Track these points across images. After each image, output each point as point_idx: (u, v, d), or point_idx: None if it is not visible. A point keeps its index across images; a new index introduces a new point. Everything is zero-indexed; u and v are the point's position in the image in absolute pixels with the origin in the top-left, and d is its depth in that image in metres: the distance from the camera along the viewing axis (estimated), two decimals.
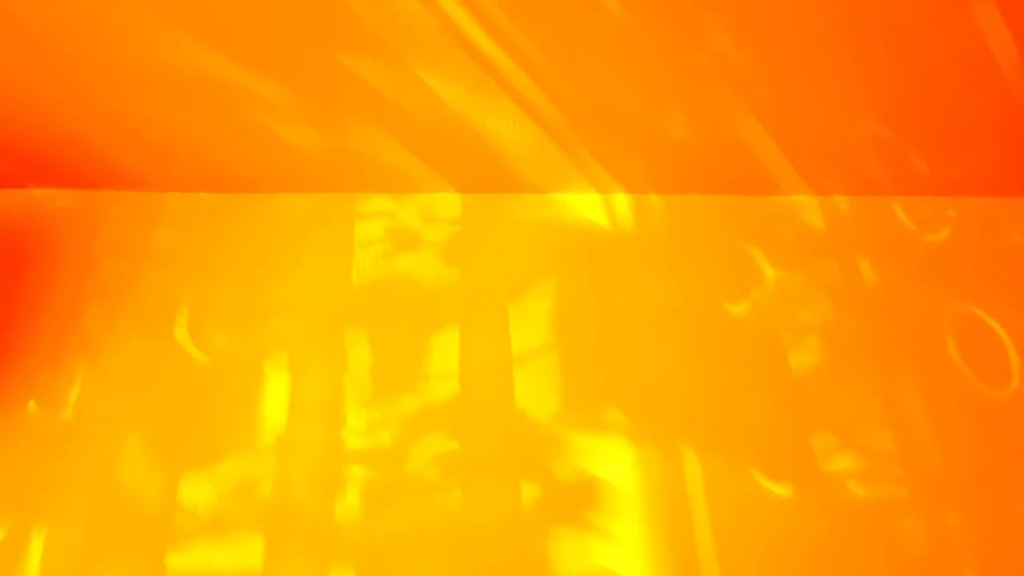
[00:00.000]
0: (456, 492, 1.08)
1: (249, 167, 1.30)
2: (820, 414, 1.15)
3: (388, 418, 1.14)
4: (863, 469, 1.11)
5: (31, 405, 1.13)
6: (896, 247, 1.31)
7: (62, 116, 1.18)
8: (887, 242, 1.32)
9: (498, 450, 1.12)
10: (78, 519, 1.05)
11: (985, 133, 1.24)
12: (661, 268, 1.28)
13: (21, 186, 1.35)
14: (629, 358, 1.20)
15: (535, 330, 1.22)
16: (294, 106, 1.16)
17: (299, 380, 1.17)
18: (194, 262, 1.27)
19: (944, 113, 1.20)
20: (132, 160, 1.28)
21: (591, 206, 1.35)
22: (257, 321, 1.22)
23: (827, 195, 1.37)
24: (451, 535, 1.05)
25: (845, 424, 1.14)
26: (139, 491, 1.08)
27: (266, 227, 1.32)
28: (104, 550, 1.03)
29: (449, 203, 1.35)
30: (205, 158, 1.28)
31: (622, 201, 1.36)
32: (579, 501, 1.08)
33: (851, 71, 1.11)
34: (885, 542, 1.05)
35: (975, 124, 1.22)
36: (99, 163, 1.29)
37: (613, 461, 1.11)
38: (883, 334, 1.23)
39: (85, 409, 1.14)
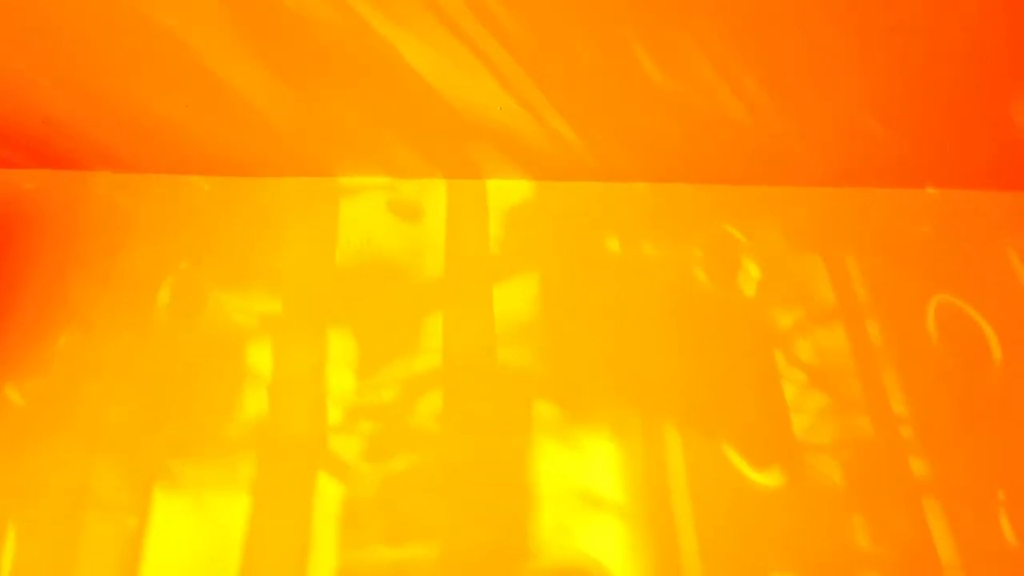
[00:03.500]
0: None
1: (235, 150, 1.29)
2: (803, 402, 1.16)
3: (371, 394, 1.14)
4: (844, 456, 1.12)
5: (9, 386, 1.13)
6: (881, 238, 1.32)
7: (47, 97, 1.17)
8: (872, 233, 1.33)
9: (478, 443, 1.12)
10: (61, 497, 1.05)
11: (971, 128, 1.24)
12: (648, 256, 1.29)
13: (5, 166, 1.33)
14: (614, 344, 1.20)
15: (518, 316, 1.22)
16: (281, 90, 1.15)
17: (281, 361, 1.16)
18: (177, 244, 1.27)
19: (931, 107, 1.20)
20: (117, 141, 1.27)
21: (577, 193, 1.35)
22: (240, 303, 1.21)
23: (814, 186, 1.38)
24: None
25: (827, 412, 1.15)
26: (122, 471, 1.07)
27: (251, 210, 1.31)
28: (86, 528, 1.03)
29: (435, 188, 1.35)
30: (190, 140, 1.27)
31: (609, 189, 1.36)
32: (565, 486, 1.08)
33: (840, 64, 1.11)
34: (866, 527, 1.06)
35: (961, 119, 1.22)
36: (83, 144, 1.28)
37: (594, 441, 1.11)
38: (867, 323, 1.23)
39: (66, 390, 1.13)
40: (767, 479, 1.09)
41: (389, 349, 1.18)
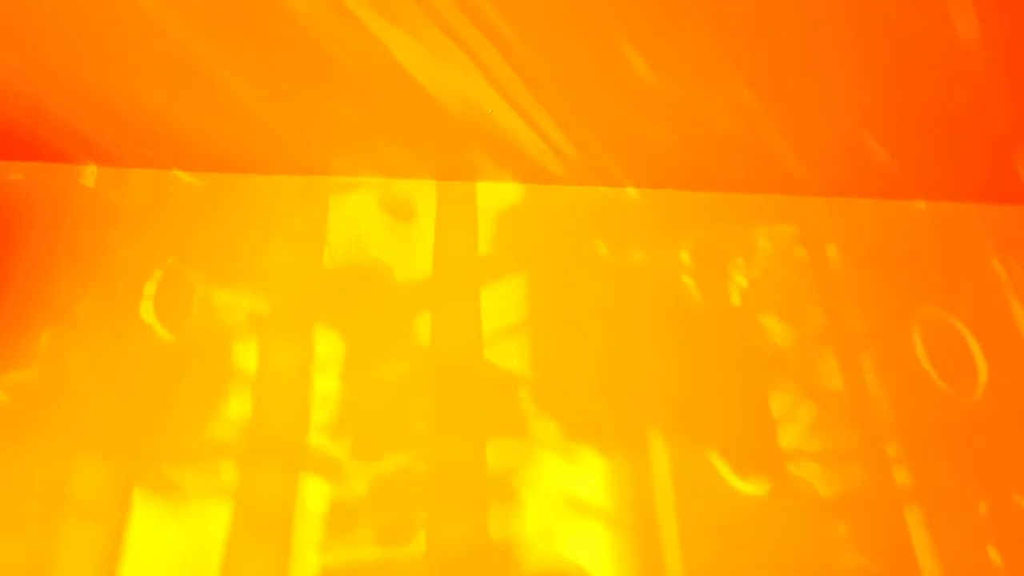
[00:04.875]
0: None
1: (224, 146, 1.29)
2: (789, 412, 1.16)
3: (355, 393, 1.13)
4: (829, 466, 1.12)
5: None
6: (869, 249, 1.33)
7: (32, 89, 1.16)
8: (860, 243, 1.33)
9: (464, 452, 1.11)
10: (40, 494, 1.04)
11: (958, 139, 1.25)
12: (637, 262, 1.28)
13: None
14: (601, 348, 1.20)
15: (506, 319, 1.22)
16: (272, 87, 1.15)
17: (267, 360, 1.16)
18: (165, 240, 1.26)
19: (919, 118, 1.21)
20: (104, 134, 1.26)
21: (567, 197, 1.35)
22: (227, 300, 1.20)
23: (801, 195, 1.38)
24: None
25: (813, 422, 1.15)
26: (103, 469, 1.06)
27: (240, 207, 1.30)
28: (65, 526, 1.02)
29: (425, 189, 1.34)
30: (179, 135, 1.26)
31: (599, 194, 1.36)
32: (551, 489, 1.08)
33: (833, 74, 1.12)
34: (849, 538, 1.07)
35: (948, 130, 1.23)
36: (70, 136, 1.27)
37: (581, 445, 1.11)
38: (852, 335, 1.24)
39: (49, 386, 1.12)
40: (752, 487, 1.10)
41: (376, 349, 1.18)
